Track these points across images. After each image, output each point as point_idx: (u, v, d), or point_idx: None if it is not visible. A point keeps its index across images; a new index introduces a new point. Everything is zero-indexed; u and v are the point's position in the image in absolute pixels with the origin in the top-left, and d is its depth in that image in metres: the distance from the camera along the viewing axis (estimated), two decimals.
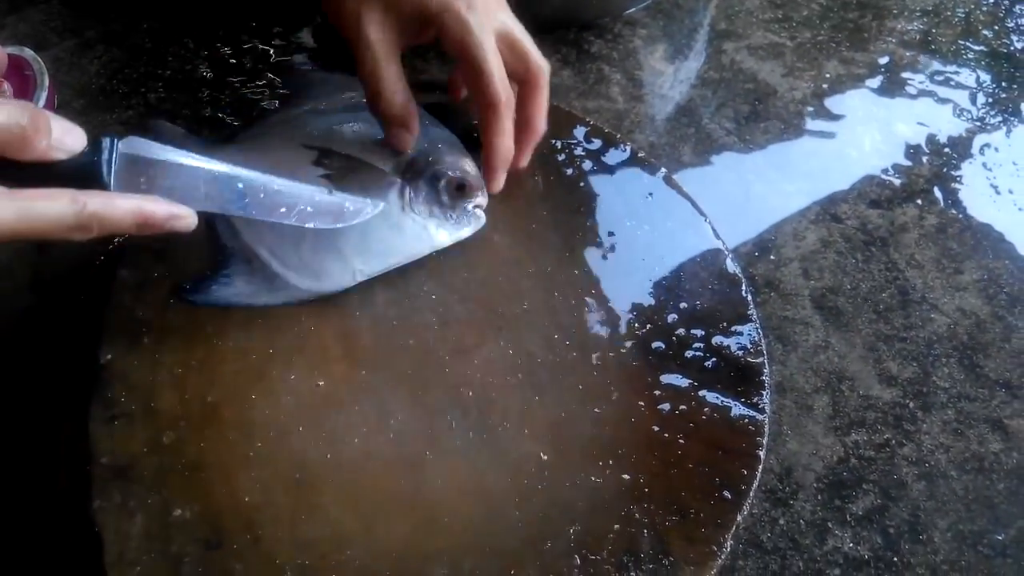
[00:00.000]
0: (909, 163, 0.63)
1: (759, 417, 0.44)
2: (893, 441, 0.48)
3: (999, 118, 0.66)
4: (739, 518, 0.41)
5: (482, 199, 0.49)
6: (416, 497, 0.40)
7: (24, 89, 0.53)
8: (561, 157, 0.54)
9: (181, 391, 0.42)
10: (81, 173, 0.35)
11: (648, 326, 0.47)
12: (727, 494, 0.41)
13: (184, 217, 0.38)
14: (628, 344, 0.46)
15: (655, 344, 0.47)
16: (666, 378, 0.45)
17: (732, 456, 0.43)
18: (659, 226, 0.52)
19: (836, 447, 0.48)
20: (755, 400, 0.45)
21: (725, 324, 0.48)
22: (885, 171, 0.62)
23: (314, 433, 0.41)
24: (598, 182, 0.54)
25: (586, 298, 0.48)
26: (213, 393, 0.42)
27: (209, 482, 0.39)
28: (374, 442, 0.41)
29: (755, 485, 0.42)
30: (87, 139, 0.36)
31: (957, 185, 0.61)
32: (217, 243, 0.47)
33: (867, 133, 0.64)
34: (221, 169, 0.40)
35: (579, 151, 0.55)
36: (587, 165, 0.54)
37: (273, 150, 0.49)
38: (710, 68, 0.68)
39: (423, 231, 0.48)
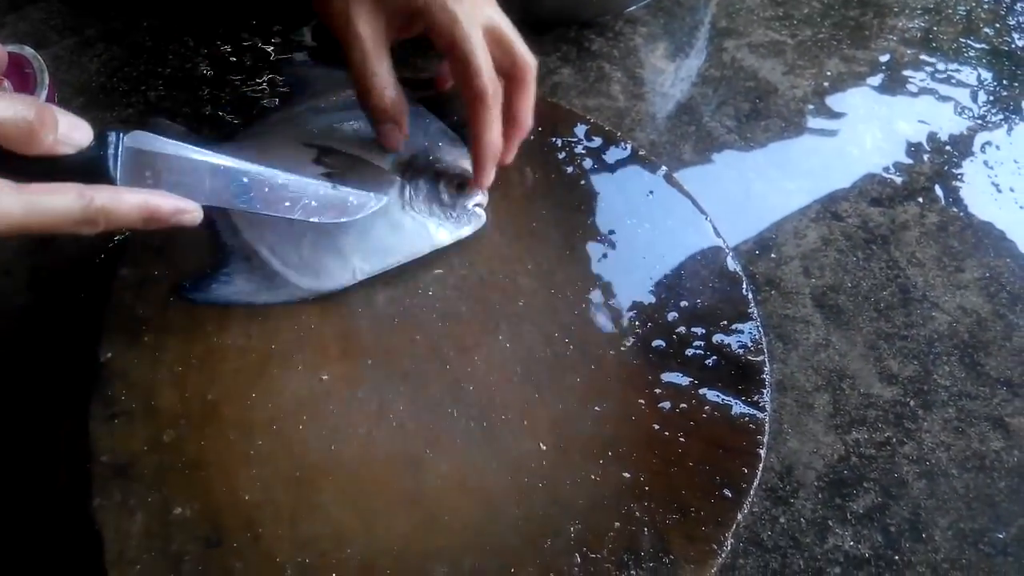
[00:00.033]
0: (910, 161, 0.63)
1: (760, 415, 0.44)
2: (894, 439, 0.48)
3: (1000, 116, 0.66)
4: (740, 516, 0.41)
5: (482, 197, 0.49)
6: (416, 495, 0.40)
7: (24, 87, 0.53)
8: (562, 155, 0.54)
9: (181, 389, 0.42)
10: (87, 167, 0.36)
11: (649, 324, 0.47)
12: (728, 492, 0.41)
13: (190, 211, 0.38)
14: (628, 342, 0.46)
15: (656, 342, 0.46)
16: (667, 376, 0.45)
17: (733, 454, 0.43)
18: (660, 224, 0.52)
19: (837, 445, 0.48)
20: (756, 398, 0.45)
21: (726, 322, 0.48)
22: (886, 169, 0.62)
23: (314, 431, 0.41)
24: (599, 180, 0.54)
25: (586, 296, 0.48)
26: (213, 391, 0.42)
27: (209, 480, 0.39)
28: (374, 440, 0.41)
29: (756, 483, 0.42)
30: (93, 134, 0.36)
31: (958, 183, 0.61)
32: (217, 241, 0.47)
33: (868, 131, 0.64)
34: (226, 163, 0.40)
35: (579, 149, 0.55)
36: (588, 163, 0.54)
37: (273, 148, 0.49)
38: (711, 66, 0.68)
39: (423, 230, 0.48)
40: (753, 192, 0.59)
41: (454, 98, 0.53)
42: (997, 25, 0.73)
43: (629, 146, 0.55)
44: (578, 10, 0.68)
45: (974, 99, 0.67)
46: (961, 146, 0.64)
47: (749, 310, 0.48)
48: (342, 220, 0.44)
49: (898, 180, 0.61)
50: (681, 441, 0.43)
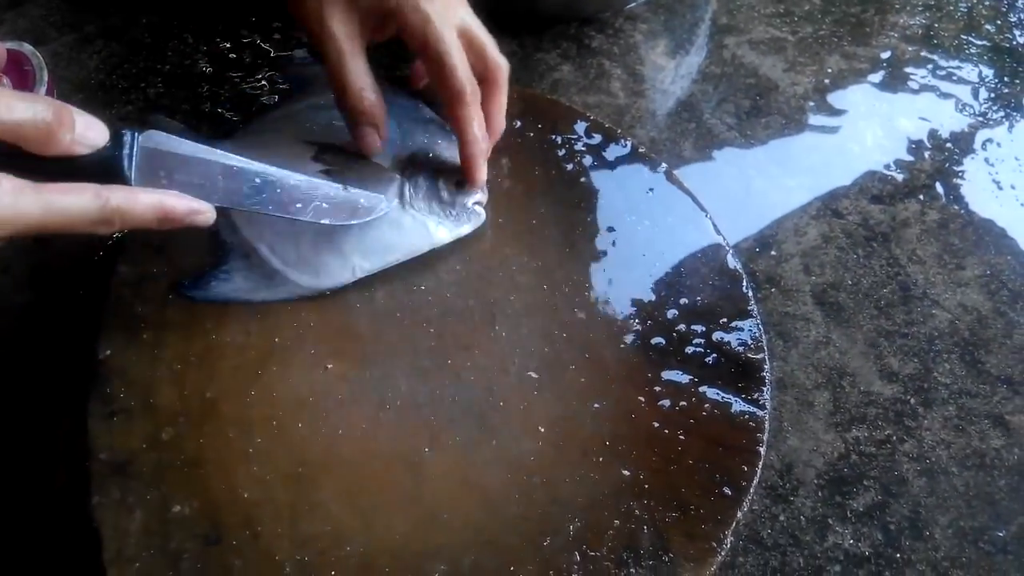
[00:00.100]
0: (911, 158, 0.62)
1: (760, 413, 0.44)
2: (894, 437, 0.48)
3: (1001, 113, 0.66)
4: (739, 514, 0.41)
5: (482, 195, 0.49)
6: (415, 493, 0.40)
7: (23, 84, 0.52)
8: (561, 152, 0.54)
9: (180, 387, 0.42)
10: (102, 167, 0.36)
11: (648, 322, 0.47)
12: (727, 490, 0.41)
13: (203, 212, 0.39)
14: (628, 340, 0.46)
15: (655, 340, 0.46)
16: (666, 374, 0.45)
17: (732, 452, 0.42)
18: (660, 221, 0.52)
19: (837, 443, 0.48)
20: (756, 396, 0.45)
21: (726, 320, 0.47)
22: (887, 166, 0.62)
23: (313, 429, 0.41)
24: (598, 177, 0.53)
25: (586, 294, 0.48)
26: (212, 389, 0.42)
27: (208, 478, 0.39)
28: (373, 438, 0.41)
29: (755, 481, 0.42)
30: (109, 133, 0.36)
31: (959, 180, 0.61)
32: (216, 239, 0.47)
33: (869, 128, 0.64)
34: (240, 164, 0.41)
35: (579, 146, 0.55)
36: (587, 160, 0.54)
37: (273, 146, 0.49)
38: (711, 63, 0.68)
39: (423, 228, 0.48)
40: (753, 189, 0.59)
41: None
42: (998, 22, 0.73)
43: (629, 143, 0.55)
44: (578, 7, 0.67)
45: (975, 96, 0.67)
46: (962, 143, 0.64)
47: (749, 308, 0.48)
48: (352, 223, 0.44)
49: (899, 177, 0.61)
50: (681, 439, 0.43)
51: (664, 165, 0.55)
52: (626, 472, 0.41)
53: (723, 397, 0.44)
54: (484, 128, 0.47)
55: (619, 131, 0.56)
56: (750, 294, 0.49)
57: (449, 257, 0.48)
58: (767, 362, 0.46)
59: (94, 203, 0.34)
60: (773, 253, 0.56)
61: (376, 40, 0.46)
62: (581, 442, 0.42)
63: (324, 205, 0.43)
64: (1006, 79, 0.68)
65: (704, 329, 0.47)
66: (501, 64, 0.47)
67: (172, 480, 0.39)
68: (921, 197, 0.60)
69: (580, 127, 0.56)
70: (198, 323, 0.44)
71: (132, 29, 0.64)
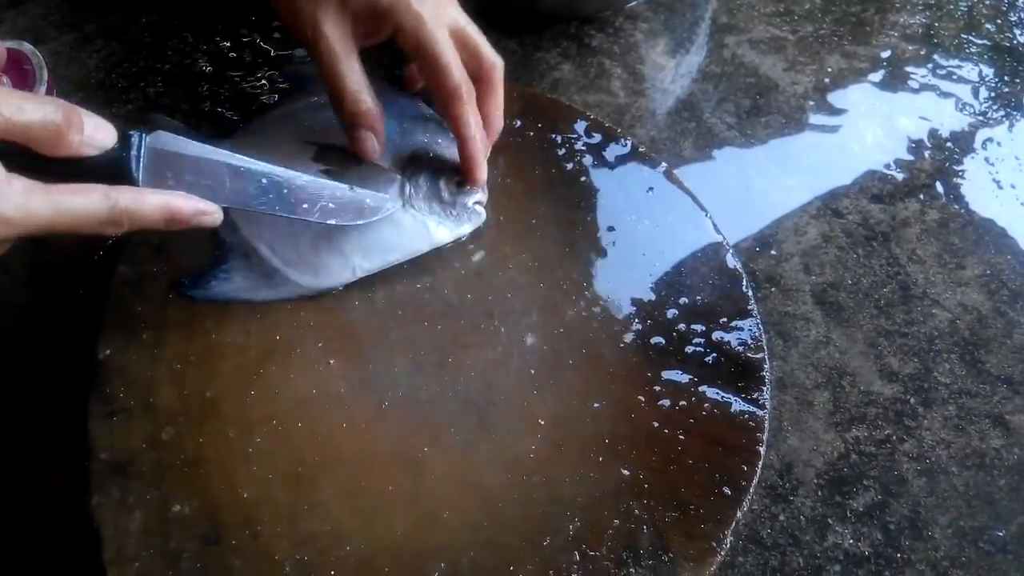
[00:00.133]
0: (911, 158, 0.62)
1: (759, 413, 0.44)
2: (894, 437, 0.48)
3: (1001, 112, 0.66)
4: (739, 514, 0.41)
5: (482, 195, 0.49)
6: (415, 493, 0.40)
7: (23, 83, 0.52)
8: (561, 151, 0.54)
9: (180, 387, 0.42)
10: (110, 168, 0.36)
11: (648, 321, 0.47)
12: (727, 490, 0.41)
13: (210, 213, 0.39)
14: (628, 339, 0.46)
15: (655, 339, 0.46)
16: (666, 374, 0.45)
17: (732, 452, 0.42)
18: (660, 221, 0.52)
19: (836, 443, 0.48)
20: (755, 396, 0.45)
21: (725, 319, 0.47)
22: (887, 166, 0.62)
23: (313, 429, 0.41)
24: (598, 177, 0.53)
25: (586, 293, 0.48)
26: (212, 388, 0.42)
27: (208, 478, 0.39)
28: (373, 438, 0.41)
29: (755, 481, 0.42)
30: (117, 134, 0.36)
31: (959, 180, 0.61)
32: (216, 238, 0.47)
33: (869, 127, 0.64)
34: (247, 165, 0.41)
35: (579, 145, 0.55)
36: (588, 159, 0.54)
37: (273, 146, 0.49)
38: (711, 62, 0.67)
39: (423, 228, 0.47)
40: (753, 189, 0.59)
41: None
42: (998, 21, 0.73)
43: (629, 142, 0.55)
44: (579, 6, 0.67)
45: (975, 95, 0.67)
46: (962, 142, 0.64)
47: (749, 307, 0.48)
48: (358, 223, 0.45)
49: (899, 177, 0.61)
50: (680, 438, 0.43)
51: (664, 164, 0.54)
52: (626, 472, 0.41)
53: (723, 397, 0.44)
54: (482, 127, 0.47)
55: (619, 130, 0.56)
56: (750, 293, 0.49)
57: (449, 256, 0.48)
58: (767, 362, 0.46)
59: (103, 204, 0.35)
60: (773, 252, 0.56)
61: (368, 45, 0.46)
62: (581, 441, 0.42)
63: (331, 205, 0.43)
64: (1006, 78, 0.68)
65: (704, 328, 0.47)
66: (495, 62, 0.47)
67: (172, 480, 0.39)
68: (921, 196, 0.60)
69: (580, 126, 0.56)
70: (198, 323, 0.44)
71: (132, 28, 0.64)
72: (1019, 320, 0.53)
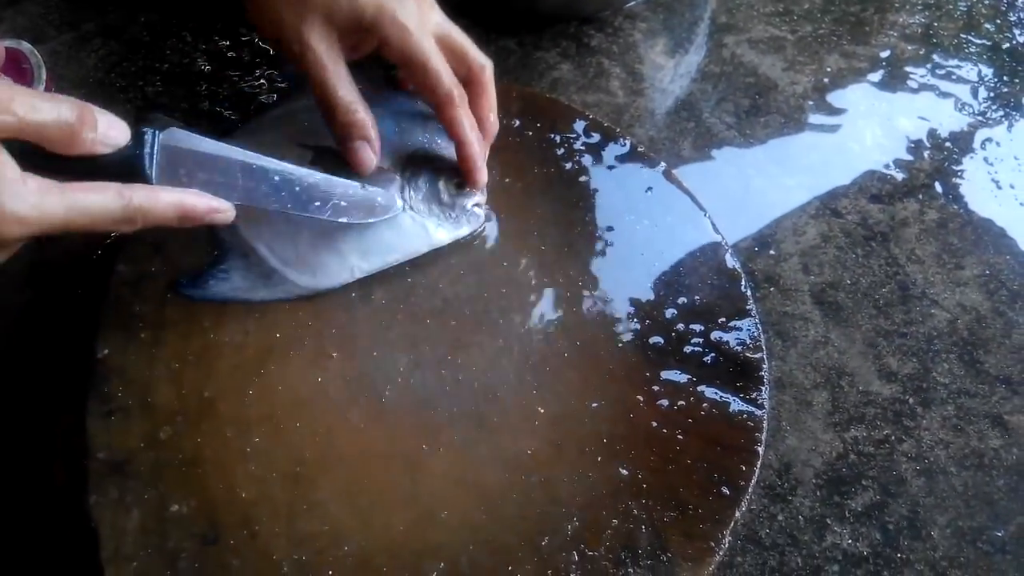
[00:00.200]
0: (910, 158, 0.62)
1: (758, 413, 0.44)
2: (892, 437, 0.48)
3: (1001, 112, 0.66)
4: (737, 514, 0.41)
5: (481, 197, 0.49)
6: (413, 492, 0.40)
7: (21, 82, 0.52)
8: (560, 151, 0.54)
9: (178, 386, 0.42)
10: (123, 166, 0.36)
11: (647, 321, 0.47)
12: (725, 490, 0.41)
13: (223, 211, 0.39)
14: (627, 339, 0.46)
15: (654, 339, 0.46)
16: (665, 373, 0.45)
17: (731, 452, 0.42)
18: (658, 221, 0.52)
19: (835, 443, 0.48)
20: (754, 396, 0.45)
21: (724, 319, 0.47)
22: (886, 166, 0.62)
23: (311, 428, 0.41)
24: (597, 176, 0.53)
25: (585, 293, 0.48)
26: (210, 388, 0.42)
27: (206, 477, 0.39)
28: (371, 437, 0.41)
29: (754, 481, 0.42)
30: (130, 132, 0.36)
31: (958, 180, 0.61)
32: (215, 238, 0.47)
33: (868, 127, 0.64)
34: (259, 162, 0.41)
35: (578, 145, 0.55)
36: (586, 159, 0.54)
37: (271, 145, 0.49)
38: (710, 62, 0.67)
39: (422, 229, 0.47)
40: (752, 188, 0.59)
41: None
42: (998, 21, 0.73)
43: (628, 142, 0.55)
44: (578, 6, 0.67)
45: (974, 95, 0.67)
46: (961, 143, 0.64)
47: (748, 307, 0.48)
48: (369, 221, 0.45)
49: (898, 177, 0.61)
50: (679, 438, 0.43)
51: (663, 164, 0.54)
52: (624, 471, 0.41)
53: (721, 396, 0.44)
54: (477, 129, 0.47)
55: (618, 130, 0.56)
56: (749, 293, 0.49)
57: (447, 257, 0.48)
58: (765, 361, 0.46)
59: (117, 202, 0.35)
60: (772, 252, 0.56)
61: (353, 59, 0.46)
62: (579, 441, 0.42)
63: (343, 203, 0.43)
64: (1005, 78, 0.68)
65: (703, 328, 0.47)
66: (484, 63, 0.47)
67: (170, 479, 0.39)
68: (920, 196, 0.60)
69: (579, 126, 0.55)
70: (196, 322, 0.44)
71: (131, 27, 0.64)
72: (1018, 320, 0.53)
